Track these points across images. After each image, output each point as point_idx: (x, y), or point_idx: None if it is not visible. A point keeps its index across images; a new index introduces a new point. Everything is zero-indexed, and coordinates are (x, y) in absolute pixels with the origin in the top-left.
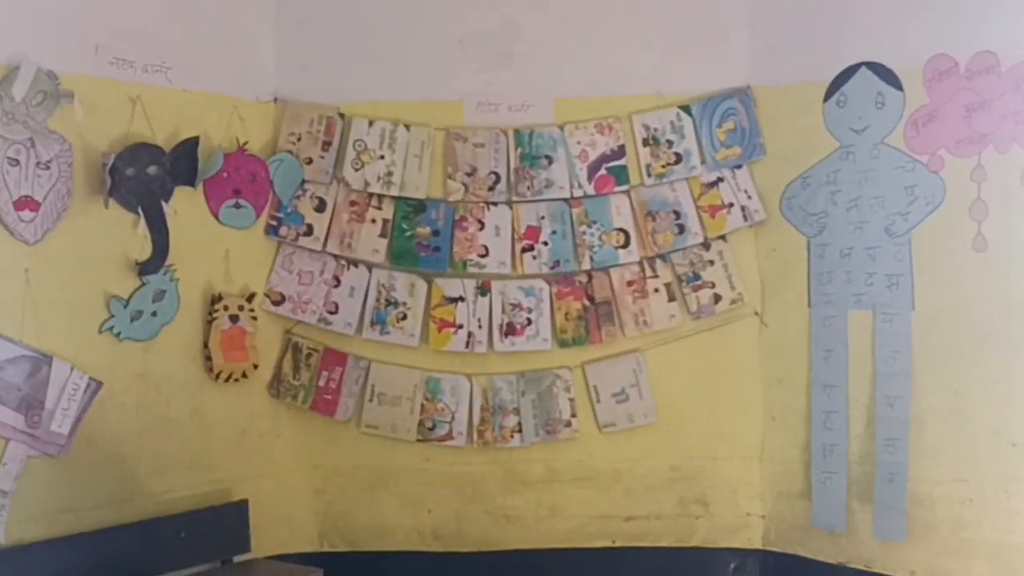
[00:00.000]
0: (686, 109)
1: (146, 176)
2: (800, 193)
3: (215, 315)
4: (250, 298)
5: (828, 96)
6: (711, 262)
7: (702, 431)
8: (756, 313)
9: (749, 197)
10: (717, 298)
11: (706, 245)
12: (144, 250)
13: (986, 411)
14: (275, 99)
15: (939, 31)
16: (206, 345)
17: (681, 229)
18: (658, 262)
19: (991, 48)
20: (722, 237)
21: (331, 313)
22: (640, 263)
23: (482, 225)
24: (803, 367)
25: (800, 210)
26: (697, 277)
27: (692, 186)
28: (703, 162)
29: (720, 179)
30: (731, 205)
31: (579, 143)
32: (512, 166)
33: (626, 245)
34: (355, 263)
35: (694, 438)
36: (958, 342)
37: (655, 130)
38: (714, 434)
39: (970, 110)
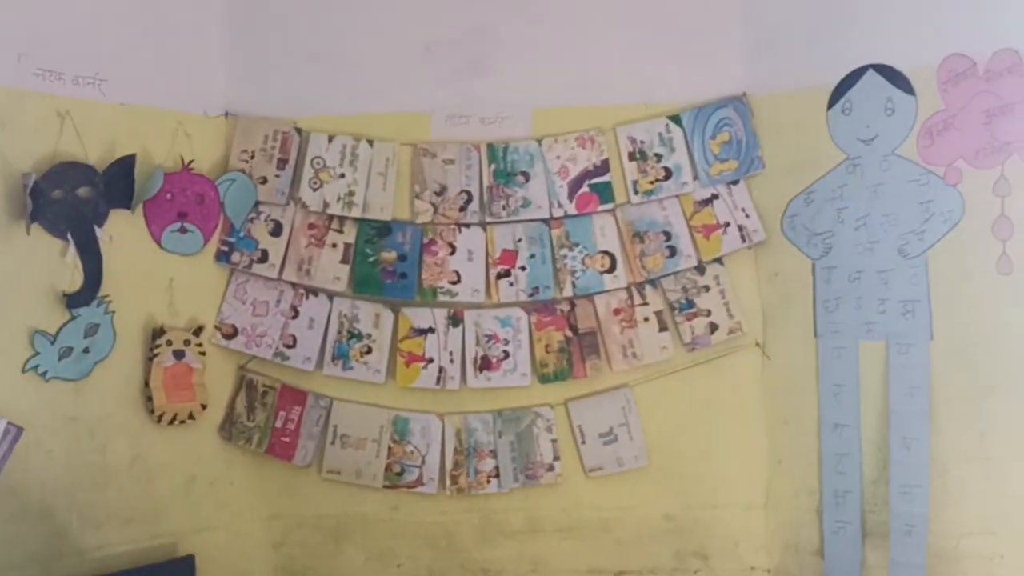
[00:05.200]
0: (676, 119)
1: (75, 198)
2: (803, 211)
3: (157, 351)
4: (198, 331)
5: (832, 103)
6: (706, 288)
7: (699, 476)
8: (757, 344)
9: (747, 216)
10: (713, 327)
11: (700, 269)
12: (74, 280)
13: (1017, 455)
14: (226, 114)
15: (954, 28)
16: (147, 384)
17: (672, 251)
18: (647, 288)
19: (1013, 45)
20: (718, 260)
21: (288, 347)
22: (628, 289)
23: (453, 249)
24: (811, 404)
25: (804, 229)
26: (691, 304)
27: (684, 204)
28: (695, 177)
29: (715, 196)
30: (727, 225)
31: (559, 158)
32: (485, 184)
33: (612, 270)
34: (314, 292)
35: (691, 484)
36: (983, 377)
37: (642, 143)
38: (713, 479)
39: (991, 115)
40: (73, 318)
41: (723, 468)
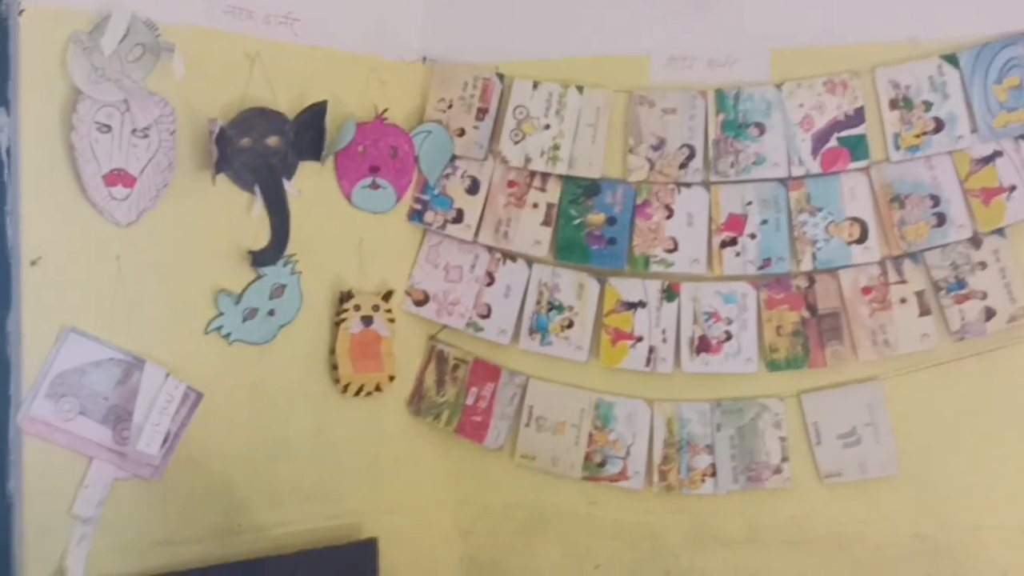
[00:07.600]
0: (951, 60)
1: (264, 148)
2: None
3: (344, 316)
4: (387, 296)
5: None
6: (982, 264)
7: (962, 490)
8: None
9: None
10: (989, 313)
11: (976, 242)
12: (260, 236)
13: None
14: (423, 59)
15: None
16: (332, 352)
17: (941, 219)
18: (907, 263)
19: None
20: (999, 231)
21: (483, 317)
22: (881, 264)
23: (670, 212)
24: None
25: None
26: (962, 284)
27: (958, 162)
28: (974, 130)
29: (998, 153)
30: (1013, 188)
31: (802, 106)
32: (711, 137)
33: (862, 240)
34: (512, 257)
35: (950, 499)
36: None
37: (907, 88)
38: (979, 495)
39: None
40: (259, 277)
41: (993, 482)
